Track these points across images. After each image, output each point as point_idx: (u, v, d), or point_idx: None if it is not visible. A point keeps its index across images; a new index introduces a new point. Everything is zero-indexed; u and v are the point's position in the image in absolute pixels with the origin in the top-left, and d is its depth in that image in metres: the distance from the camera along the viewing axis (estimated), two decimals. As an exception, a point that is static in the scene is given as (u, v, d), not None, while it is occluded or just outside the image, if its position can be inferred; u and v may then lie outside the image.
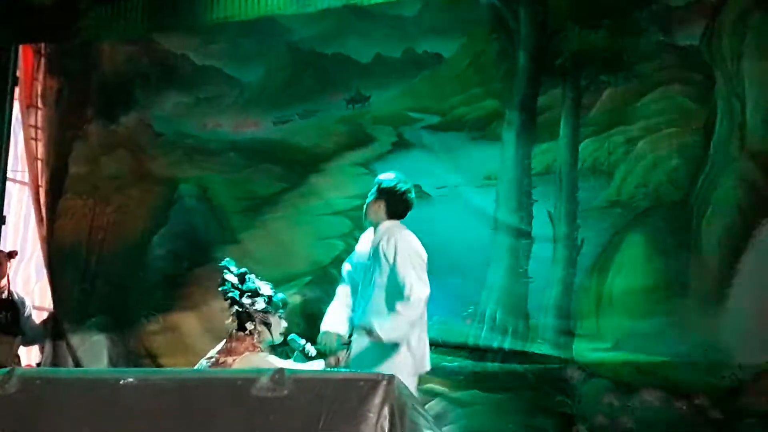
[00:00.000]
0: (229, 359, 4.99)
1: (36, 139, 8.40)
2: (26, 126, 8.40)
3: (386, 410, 3.36)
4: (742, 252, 6.29)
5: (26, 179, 8.47)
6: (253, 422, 3.47)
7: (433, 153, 7.12)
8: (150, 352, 7.67)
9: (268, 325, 5.15)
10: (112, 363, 7.66)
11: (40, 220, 8.31)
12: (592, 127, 6.74)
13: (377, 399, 3.38)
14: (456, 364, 6.78)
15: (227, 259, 5.32)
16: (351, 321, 5.53)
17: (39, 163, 8.35)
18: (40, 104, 8.42)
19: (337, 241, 7.29)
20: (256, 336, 5.10)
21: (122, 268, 7.95)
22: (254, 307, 5.10)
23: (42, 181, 8.34)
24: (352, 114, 7.40)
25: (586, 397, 6.48)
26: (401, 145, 7.25)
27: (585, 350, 6.52)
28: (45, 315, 8.01)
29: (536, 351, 6.64)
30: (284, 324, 5.29)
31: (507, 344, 6.73)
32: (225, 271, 5.21)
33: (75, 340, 7.86)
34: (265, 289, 5.22)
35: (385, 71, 7.30)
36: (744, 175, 6.37)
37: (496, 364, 6.74)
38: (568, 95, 6.81)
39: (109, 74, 8.19)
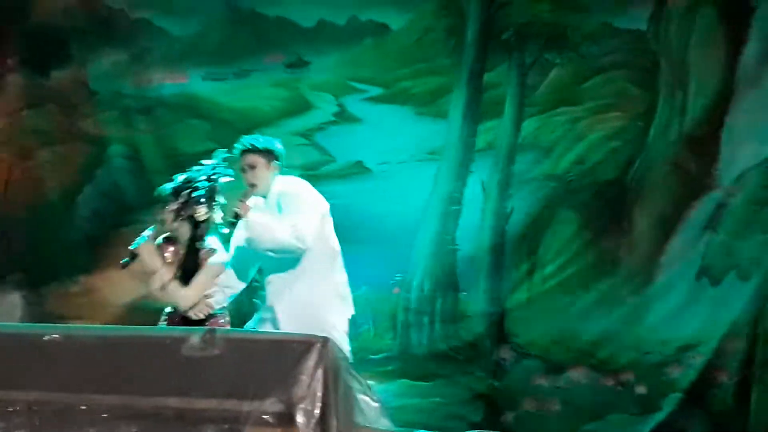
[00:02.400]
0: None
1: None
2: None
3: (320, 373, 3.30)
4: (672, 233, 6.44)
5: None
6: (182, 382, 3.38)
7: (376, 127, 7.06)
8: (68, 314, 7.51)
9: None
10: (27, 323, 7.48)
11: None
12: (537, 106, 6.78)
13: (311, 361, 3.30)
14: (382, 355, 6.77)
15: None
16: None
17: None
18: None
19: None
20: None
21: (42, 226, 7.75)
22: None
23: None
24: (290, 78, 7.24)
25: (515, 379, 6.53)
26: (343, 116, 7.15)
27: (516, 328, 6.58)
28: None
29: (466, 331, 6.68)
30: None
31: (436, 321, 6.76)
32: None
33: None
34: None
35: (327, 37, 7.15)
36: (679, 160, 6.50)
37: (424, 347, 6.74)
38: (514, 73, 6.81)
39: (41, 25, 7.97)
